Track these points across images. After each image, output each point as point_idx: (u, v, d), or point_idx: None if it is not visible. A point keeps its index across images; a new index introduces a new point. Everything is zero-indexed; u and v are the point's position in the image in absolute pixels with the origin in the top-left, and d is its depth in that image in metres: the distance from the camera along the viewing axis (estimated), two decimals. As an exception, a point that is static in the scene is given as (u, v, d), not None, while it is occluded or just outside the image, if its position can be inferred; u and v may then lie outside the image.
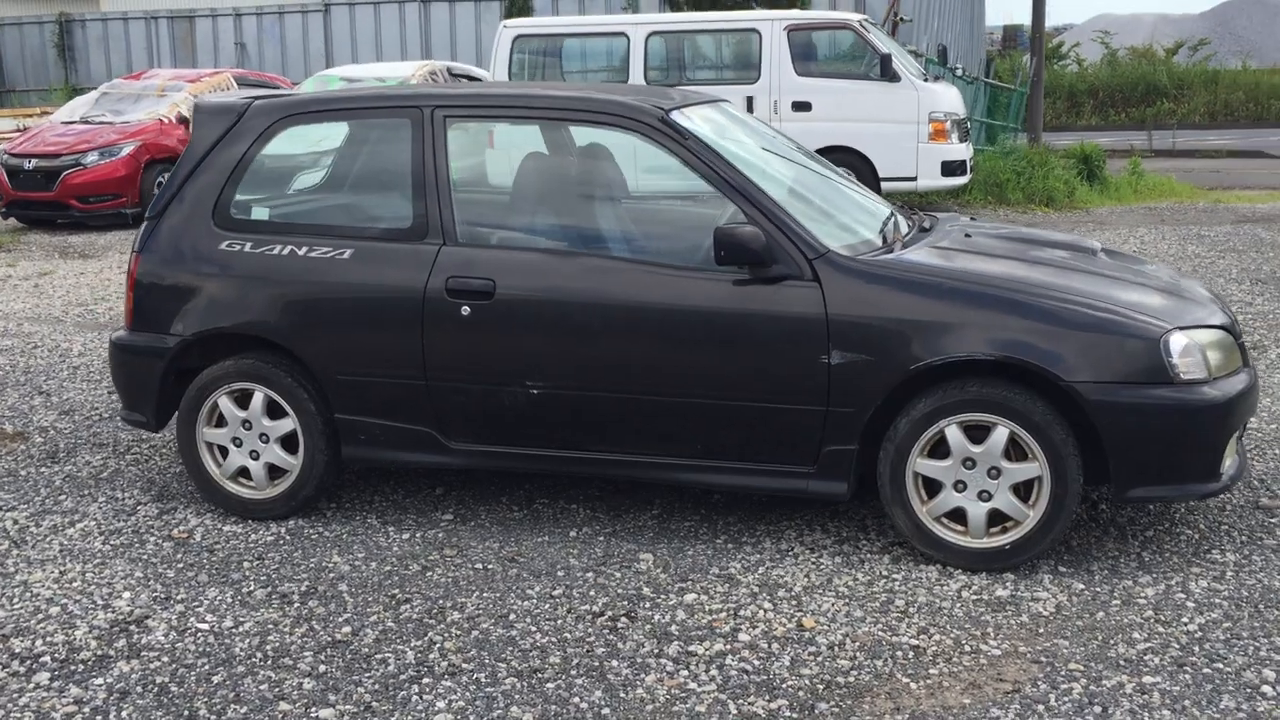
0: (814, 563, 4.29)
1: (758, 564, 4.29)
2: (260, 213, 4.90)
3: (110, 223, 13.62)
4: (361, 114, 4.90)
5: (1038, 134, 18.53)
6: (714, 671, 3.58)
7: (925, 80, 12.39)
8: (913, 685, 3.48)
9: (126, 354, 4.91)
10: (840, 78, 12.31)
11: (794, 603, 3.99)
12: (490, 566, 4.34)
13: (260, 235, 4.71)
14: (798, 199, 4.49)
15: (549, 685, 3.53)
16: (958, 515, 4.17)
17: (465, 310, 4.42)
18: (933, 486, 4.18)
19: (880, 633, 3.78)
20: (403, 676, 3.60)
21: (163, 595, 4.17)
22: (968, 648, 3.68)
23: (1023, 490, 4.10)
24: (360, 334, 4.57)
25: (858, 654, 3.66)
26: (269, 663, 3.70)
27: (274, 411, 4.71)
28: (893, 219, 4.83)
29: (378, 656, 3.72)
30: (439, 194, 4.53)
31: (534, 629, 3.87)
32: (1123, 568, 4.20)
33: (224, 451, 4.81)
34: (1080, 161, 16.57)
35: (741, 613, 3.94)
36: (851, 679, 3.52)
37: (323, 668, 3.66)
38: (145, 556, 4.51)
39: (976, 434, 4.09)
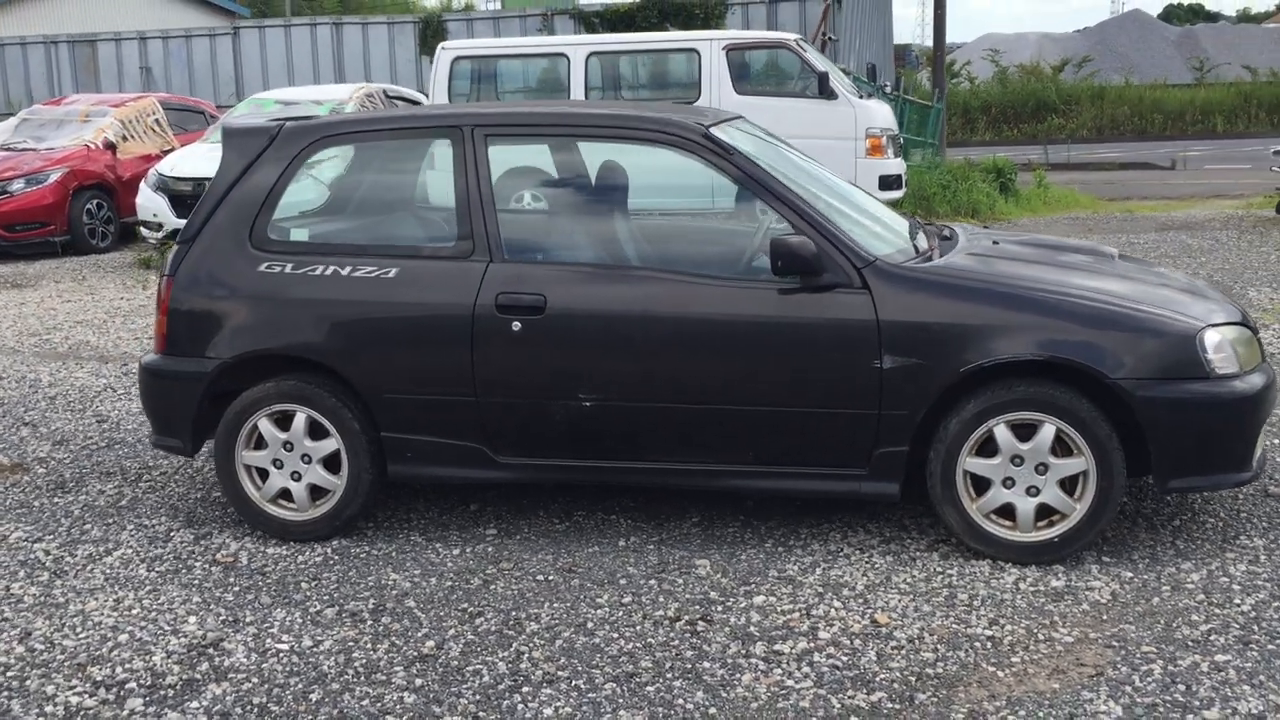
0: (867, 562, 4.42)
1: (813, 565, 4.41)
2: (299, 234, 4.90)
3: (37, 251, 13.30)
4: (399, 135, 4.93)
5: (941, 150, 19.08)
6: (806, 668, 3.69)
7: (860, 98, 12.70)
8: (1000, 674, 3.63)
9: (160, 379, 4.86)
10: (779, 95, 12.56)
11: (861, 601, 4.12)
12: (551, 578, 4.40)
13: (301, 256, 4.71)
14: (833, 210, 4.64)
15: (649, 689, 3.61)
16: (1005, 511, 4.33)
17: (516, 326, 4.48)
18: (981, 484, 4.34)
19: (954, 625, 3.92)
20: (501, 686, 3.64)
21: (230, 618, 4.15)
22: (1040, 636, 3.84)
23: (1068, 484, 4.28)
24: (408, 352, 4.60)
25: (938, 646, 3.79)
26: (362, 679, 3.71)
27: (315, 432, 4.70)
28: (917, 228, 5.00)
29: (469, 668, 3.75)
30: (484, 212, 4.58)
31: (616, 635, 3.94)
32: (1161, 555, 4.41)
33: (263, 474, 4.79)
34: (994, 175, 17.10)
35: (814, 612, 4.05)
36: (939, 670, 3.66)
37: (419, 681, 3.69)
38: (196, 581, 4.47)
39: (1023, 432, 4.27)
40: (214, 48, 24.04)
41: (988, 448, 4.31)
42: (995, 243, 4.99)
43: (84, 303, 10.64)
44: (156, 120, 14.96)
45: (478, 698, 3.59)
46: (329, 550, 4.71)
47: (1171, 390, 4.18)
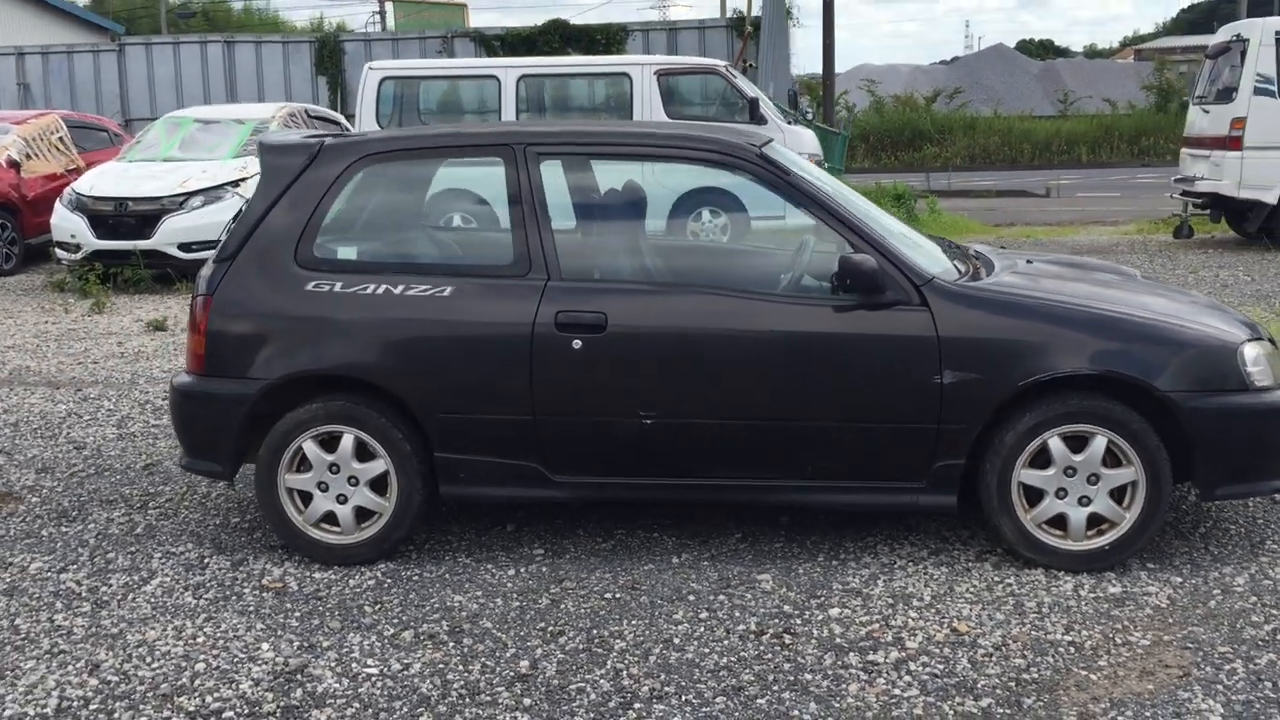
0: (925, 573, 4.53)
1: (873, 578, 4.50)
2: (347, 252, 4.83)
3: (-61, 273, 12.73)
4: (447, 154, 4.89)
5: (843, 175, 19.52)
6: (907, 677, 3.76)
7: (787, 124, 12.95)
8: (1092, 677, 3.76)
9: (198, 401, 4.73)
10: (709, 120, 12.73)
11: (933, 611, 4.22)
12: (618, 595, 4.40)
13: (350, 275, 4.64)
14: (883, 229, 4.75)
15: (760, 701, 3.64)
16: (1056, 520, 4.48)
17: (577, 344, 4.48)
18: (1033, 495, 4.49)
19: (1033, 632, 4.04)
20: (611, 704, 3.64)
21: (304, 644, 4.05)
22: (1117, 640, 3.98)
23: (1116, 494, 4.45)
24: (465, 371, 4.56)
25: (1026, 652, 3.91)
26: (468, 700, 3.67)
27: (362, 454, 4.63)
28: (950, 248, 5.15)
29: (573, 687, 3.74)
30: (540, 230, 4.58)
31: (707, 650, 3.96)
32: (1200, 561, 4.61)
33: (306, 497, 4.69)
34: (895, 201, 17.57)
35: (892, 623, 4.13)
36: (1034, 675, 3.77)
37: (526, 700, 3.66)
38: (253, 608, 4.35)
39: (1074, 444, 4.43)
40: (98, 64, 23.39)
41: (1040, 459, 4.45)
42: (1029, 261, 5.17)
43: (6, 327, 10.22)
44: (60, 138, 14.47)
45: (592, 715, 3.57)
46: (379, 574, 4.63)
47: (1217, 402, 4.38)
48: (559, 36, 22.25)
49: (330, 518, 4.69)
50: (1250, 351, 4.46)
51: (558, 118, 12.79)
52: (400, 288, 4.57)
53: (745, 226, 11.21)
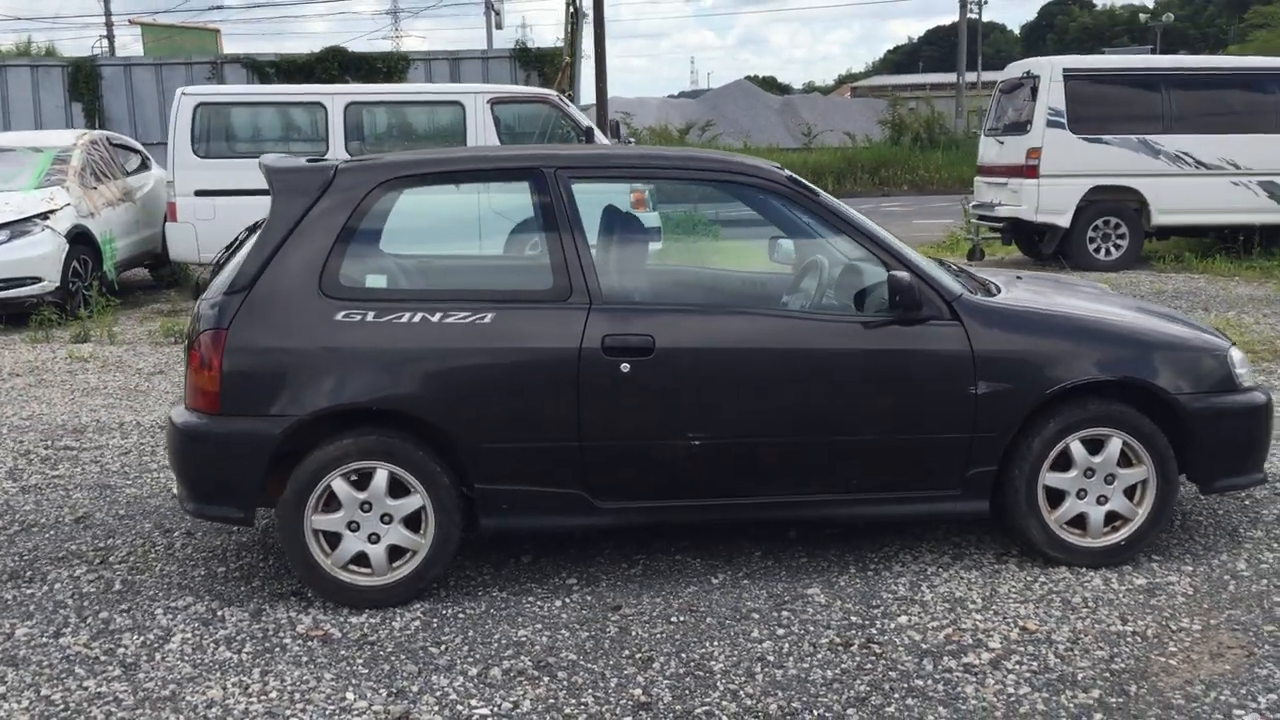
0: (960, 577, 4.69)
1: (915, 585, 4.63)
2: (376, 280, 4.60)
3: None
4: (475, 177, 4.74)
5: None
6: (1011, 677, 3.90)
7: (615, 152, 13.07)
8: (1171, 662, 3.99)
9: (212, 442, 4.39)
10: (542, 149, 12.71)
11: (992, 612, 4.38)
12: (682, 619, 4.37)
13: (382, 303, 4.43)
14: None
15: (889, 709, 3.70)
16: (1076, 520, 4.74)
17: (625, 367, 4.43)
18: (1054, 496, 4.73)
19: (1095, 626, 4.26)
20: (747, 725, 3.61)
21: (391, 691, 3.84)
22: (1172, 627, 4.25)
23: (1128, 492, 4.74)
24: (511, 399, 4.43)
25: (1100, 645, 4.11)
26: (605, 734, 3.57)
27: (394, 490, 4.43)
28: (948, 267, 5.36)
29: (700, 711, 3.69)
30: (578, 254, 4.50)
31: (805, 665, 3.99)
32: (1195, 552, 4.95)
33: (333, 538, 4.44)
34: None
35: (962, 625, 4.27)
36: (1120, 665, 3.97)
37: (664, 729, 3.59)
38: (306, 658, 4.09)
39: (1091, 446, 4.69)
40: None
41: (1060, 462, 4.70)
42: (1019, 278, 5.44)
43: None
44: None
45: (736, 738, 3.54)
46: (419, 614, 4.43)
47: (1214, 402, 4.74)
48: (337, 64, 21.72)
49: (359, 559, 4.46)
50: (1236, 355, 4.85)
51: (387, 147, 12.49)
52: (438, 315, 4.40)
53: None
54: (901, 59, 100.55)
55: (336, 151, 12.15)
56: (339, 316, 4.38)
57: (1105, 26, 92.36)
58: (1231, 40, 68.88)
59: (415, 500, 4.44)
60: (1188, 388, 4.72)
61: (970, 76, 49.60)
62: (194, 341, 4.47)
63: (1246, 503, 5.55)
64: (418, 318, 4.39)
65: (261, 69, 21.60)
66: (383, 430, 4.42)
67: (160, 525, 5.50)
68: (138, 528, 5.48)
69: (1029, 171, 13.32)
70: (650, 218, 12.87)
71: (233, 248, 4.90)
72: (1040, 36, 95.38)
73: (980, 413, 4.59)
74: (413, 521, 4.47)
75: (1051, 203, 13.34)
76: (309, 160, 4.69)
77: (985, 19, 67.45)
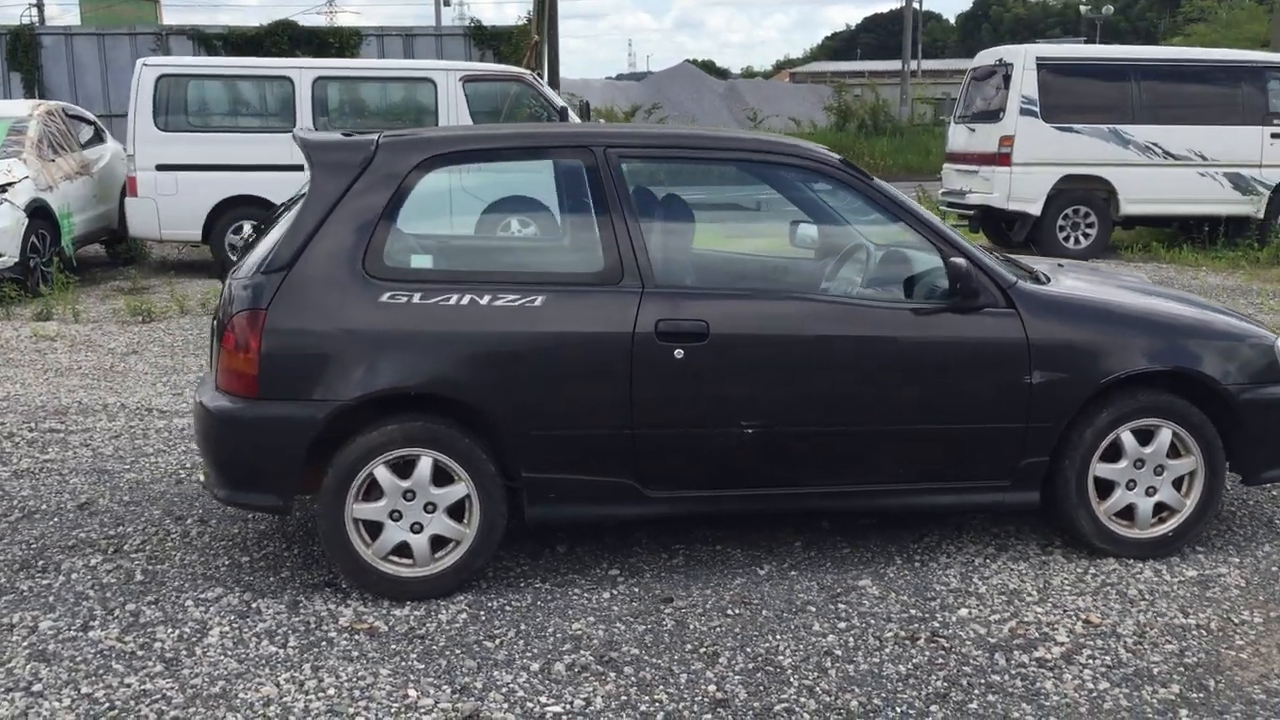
0: (1009, 569, 4.63)
1: (965, 577, 4.55)
2: (421, 261, 4.42)
3: None
4: (520, 155, 4.56)
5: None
6: (1087, 671, 3.83)
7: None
8: (1241, 656, 3.95)
9: (251, 427, 4.19)
10: (516, 128, 12.50)
11: (1051, 605, 4.31)
12: (737, 612, 4.25)
13: (429, 285, 4.25)
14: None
15: (971, 705, 3.61)
16: (1125, 511, 4.69)
17: (678, 353, 4.30)
18: (1103, 487, 4.68)
19: (1158, 619, 4.20)
20: (831, 722, 3.51)
21: (454, 687, 3.69)
22: (1234, 620, 4.21)
23: (1176, 483, 4.70)
24: (562, 385, 4.28)
25: (1168, 638, 4.06)
26: (688, 732, 3.45)
27: (439, 478, 4.27)
28: (991, 253, 5.28)
29: (779, 707, 3.58)
30: (630, 236, 4.36)
31: (876, 659, 3.89)
32: (1239, 542, 4.94)
33: (374, 528, 4.27)
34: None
35: (1025, 619, 4.20)
36: (1192, 659, 3.92)
37: (748, 727, 3.48)
38: (357, 653, 3.92)
39: (1141, 437, 4.65)
40: None
41: (1110, 453, 4.64)
42: (1061, 265, 5.37)
43: None
44: None
45: (822, 736, 3.44)
46: (464, 606, 4.27)
47: (1263, 393, 4.71)
48: (287, 38, 21.25)
49: (401, 549, 4.29)
50: (1280, 346, 4.84)
51: (359, 121, 12.20)
52: (487, 298, 4.23)
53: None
54: (840, 45, 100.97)
55: (304, 124, 11.83)
56: (384, 298, 4.19)
57: (1039, 18, 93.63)
58: (1163, 34, 70.16)
59: (460, 489, 4.27)
60: (1237, 379, 4.68)
61: (910, 65, 49.95)
62: (227, 322, 4.26)
63: (1275, 494, 5.55)
64: (466, 300, 4.22)
65: (209, 41, 21.07)
66: (429, 417, 4.25)
67: (170, 512, 5.28)
68: (146, 514, 5.25)
69: (1001, 159, 13.35)
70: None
71: (267, 225, 4.69)
72: (976, 26, 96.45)
73: (1035, 402, 4.52)
74: (456, 511, 4.31)
75: (1023, 191, 13.38)
76: (344, 135, 4.48)
77: (923, 8, 67.91)
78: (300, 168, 4.43)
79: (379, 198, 4.27)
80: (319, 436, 4.18)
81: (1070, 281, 4.95)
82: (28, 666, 3.83)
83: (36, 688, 3.69)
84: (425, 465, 4.24)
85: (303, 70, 12.04)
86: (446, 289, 4.24)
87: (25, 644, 3.99)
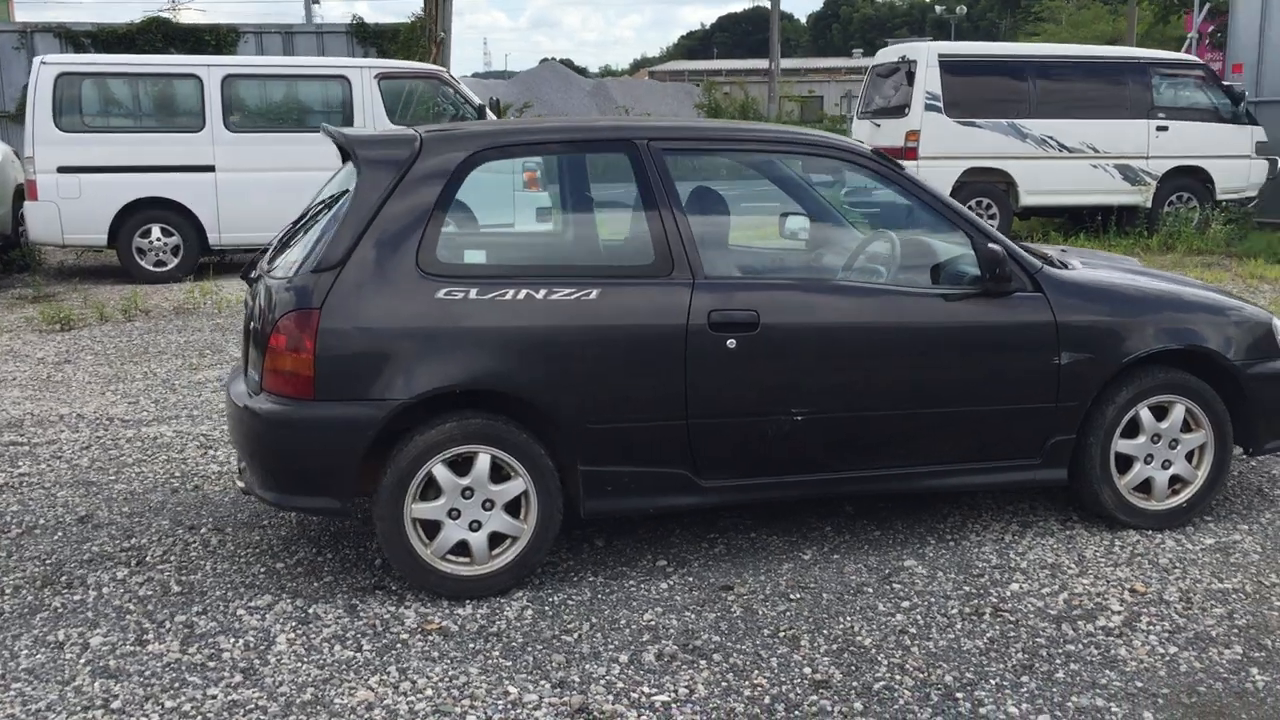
0: (1041, 543, 4.78)
1: (1005, 552, 4.69)
2: (474, 256, 4.36)
3: None
4: (567, 149, 4.53)
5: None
6: (1151, 638, 3.98)
7: (504, 130, 12.82)
8: (1284, 616, 4.17)
9: (309, 429, 4.09)
10: (433, 126, 12.35)
11: (1094, 576, 4.47)
12: (799, 596, 4.31)
13: (484, 280, 4.20)
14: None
15: (1059, 675, 3.73)
16: (1143, 484, 4.89)
17: (731, 343, 4.34)
18: (1122, 462, 4.87)
19: (1197, 585, 4.39)
20: (935, 699, 3.58)
21: (553, 682, 3.66)
22: (1265, 583, 4.43)
23: (1188, 457, 4.93)
24: (619, 378, 4.27)
25: (1215, 603, 4.25)
26: (799, 714, 3.48)
27: (495, 474, 4.23)
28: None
29: (878, 685, 3.65)
30: (678, 228, 4.38)
31: (951, 635, 3.99)
32: (1241, 510, 5.18)
33: (431, 527, 4.21)
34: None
35: (1075, 590, 4.35)
36: (1243, 621, 4.11)
37: (858, 705, 3.53)
38: (438, 653, 3.86)
39: (1157, 413, 4.85)
40: None
41: (1129, 429, 4.84)
42: (1065, 250, 5.55)
43: None
44: None
45: (931, 713, 3.51)
46: (526, 603, 4.24)
47: (1267, 368, 4.96)
48: (161, 36, 20.57)
49: (459, 548, 4.24)
50: (1278, 323, 5.09)
51: (271, 120, 11.89)
52: (543, 293, 4.20)
53: None
54: (695, 44, 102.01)
55: (214, 127, 11.49)
56: (440, 294, 4.13)
57: (886, 18, 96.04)
58: (1004, 33, 72.65)
59: (518, 484, 4.24)
60: (1244, 355, 4.92)
61: (764, 64, 50.78)
62: (274, 325, 4.14)
63: (1254, 465, 5.84)
64: (522, 295, 4.19)
65: (76, 39, 20.28)
66: (486, 413, 4.20)
67: (179, 522, 5.11)
68: (155, 525, 5.07)
69: (908, 154, 13.69)
70: (541, 198, 12.71)
71: (296, 224, 4.57)
72: (826, 26, 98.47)
73: (1063, 382, 4.68)
74: (513, 507, 4.27)
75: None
76: (389, 130, 4.39)
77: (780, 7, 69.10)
78: (210, 169, 4.30)
79: (429, 194, 4.20)
80: (378, 437, 4.10)
81: (1090, 266, 5.13)
82: (96, 684, 3.68)
83: (115, 705, 3.55)
84: (483, 462, 4.19)
85: (211, 68, 11.69)
86: (501, 284, 4.20)
87: (84, 661, 3.83)
